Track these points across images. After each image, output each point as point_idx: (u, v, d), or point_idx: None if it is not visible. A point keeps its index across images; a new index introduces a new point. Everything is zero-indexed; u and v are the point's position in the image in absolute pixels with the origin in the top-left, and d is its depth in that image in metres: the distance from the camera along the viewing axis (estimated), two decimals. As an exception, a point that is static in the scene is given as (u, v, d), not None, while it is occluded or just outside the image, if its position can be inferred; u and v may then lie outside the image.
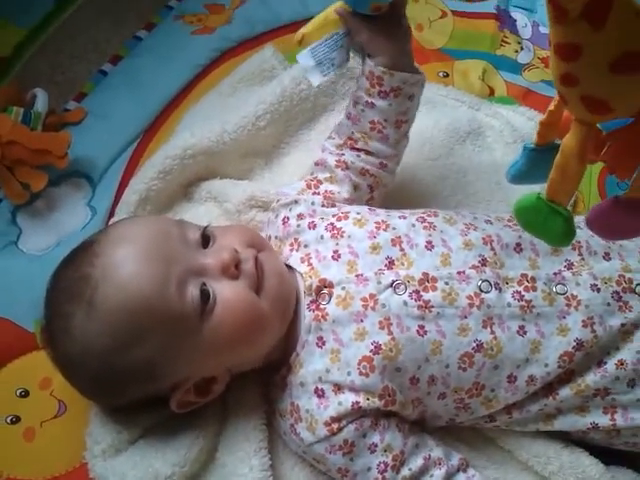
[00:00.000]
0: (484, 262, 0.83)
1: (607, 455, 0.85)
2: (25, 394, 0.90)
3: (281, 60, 1.19)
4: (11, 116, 1.04)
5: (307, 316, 0.82)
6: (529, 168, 0.73)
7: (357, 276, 0.81)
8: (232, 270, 0.78)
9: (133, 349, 0.76)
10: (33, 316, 0.92)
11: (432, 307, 0.80)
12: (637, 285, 0.83)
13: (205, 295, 0.77)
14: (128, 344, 0.75)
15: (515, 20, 1.27)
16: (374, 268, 0.82)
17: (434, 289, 0.80)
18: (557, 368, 0.80)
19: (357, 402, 0.78)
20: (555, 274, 0.83)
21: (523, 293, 0.81)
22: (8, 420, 0.88)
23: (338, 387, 0.79)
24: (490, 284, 0.81)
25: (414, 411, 0.82)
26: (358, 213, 0.88)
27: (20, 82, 1.17)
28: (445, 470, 0.80)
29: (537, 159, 0.71)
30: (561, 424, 0.83)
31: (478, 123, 1.14)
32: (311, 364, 0.81)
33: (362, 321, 0.79)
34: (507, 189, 1.05)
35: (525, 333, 0.80)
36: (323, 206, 0.91)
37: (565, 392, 0.81)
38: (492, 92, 1.21)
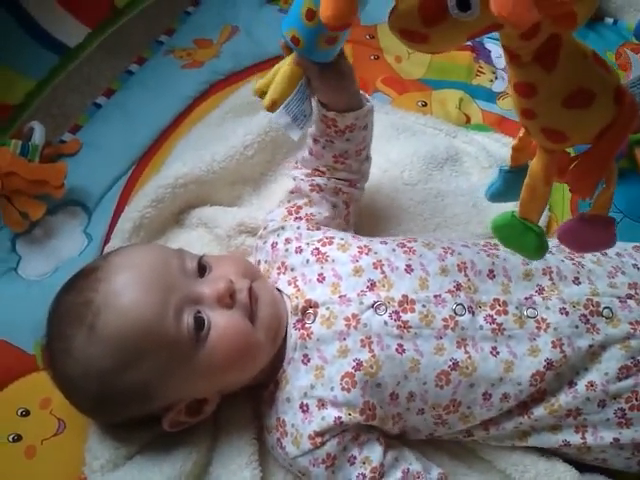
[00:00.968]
0: (459, 287, 0.85)
1: (581, 464, 0.87)
2: (26, 413, 0.91)
3: (267, 92, 1.23)
4: (10, 148, 1.06)
5: (293, 334, 0.85)
6: (505, 188, 0.79)
7: (340, 297, 0.84)
8: (227, 300, 0.81)
9: (131, 372, 0.78)
10: (33, 338, 0.94)
11: (410, 327, 0.83)
12: (604, 308, 0.85)
13: (199, 322, 0.80)
14: (126, 367, 0.78)
15: (490, 51, 1.32)
16: (357, 289, 0.85)
17: (412, 311, 0.83)
18: (529, 387, 0.82)
19: (339, 417, 0.80)
20: (526, 299, 0.86)
21: (495, 316, 0.84)
22: (10, 438, 0.89)
23: (322, 403, 0.82)
24: (464, 307, 0.84)
25: (394, 426, 0.85)
26: (342, 239, 0.92)
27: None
28: None
29: (512, 180, 0.75)
30: (535, 441, 0.85)
31: (455, 149, 1.17)
32: (297, 380, 0.83)
33: (345, 339, 0.82)
34: (484, 211, 1.08)
35: (498, 353, 0.83)
36: (308, 229, 0.94)
37: (539, 412, 0.83)
38: (468, 120, 1.24)
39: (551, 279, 0.88)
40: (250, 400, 0.90)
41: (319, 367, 0.82)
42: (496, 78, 1.30)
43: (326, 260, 0.88)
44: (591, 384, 0.83)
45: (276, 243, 0.94)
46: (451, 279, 0.86)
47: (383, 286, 0.85)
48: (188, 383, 0.82)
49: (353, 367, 0.81)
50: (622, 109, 0.59)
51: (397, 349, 0.82)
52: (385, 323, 0.83)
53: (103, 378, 0.79)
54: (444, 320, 0.83)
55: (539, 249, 0.69)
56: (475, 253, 0.90)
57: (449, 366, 0.82)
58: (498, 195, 0.81)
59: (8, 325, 0.98)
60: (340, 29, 0.62)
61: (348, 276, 0.86)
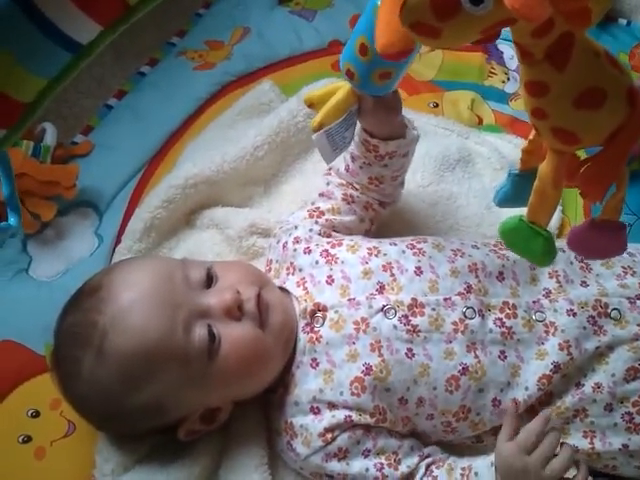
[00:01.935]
0: (469, 289, 0.85)
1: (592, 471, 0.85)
2: (36, 414, 0.92)
3: (278, 93, 1.22)
4: (22, 150, 1.06)
5: (302, 338, 0.85)
6: (514, 192, 0.77)
7: (349, 300, 0.84)
8: (235, 312, 0.80)
9: (142, 391, 0.79)
10: (43, 339, 0.94)
11: (420, 331, 0.82)
12: (613, 310, 0.85)
13: (211, 336, 0.79)
14: (137, 387, 0.78)
15: (502, 52, 1.30)
16: (366, 292, 0.85)
17: (422, 314, 0.83)
18: (537, 391, 0.82)
19: (350, 416, 0.81)
20: (534, 302, 0.86)
21: (504, 320, 0.84)
22: (20, 440, 0.90)
23: (332, 405, 0.81)
24: (474, 311, 0.83)
25: (404, 428, 0.84)
26: (351, 240, 0.91)
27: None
28: (446, 465, 0.81)
29: (521, 184, 0.74)
30: None
31: (467, 151, 1.16)
32: (305, 384, 0.83)
33: (354, 343, 0.82)
34: (496, 213, 1.07)
35: (505, 358, 0.83)
36: (320, 234, 0.93)
37: None
38: (480, 121, 1.23)
39: (558, 282, 0.88)
40: (260, 404, 0.90)
41: (328, 371, 0.82)
42: (508, 79, 1.29)
43: (335, 262, 0.88)
44: (598, 385, 0.83)
45: (286, 243, 0.94)
46: (462, 280, 0.86)
47: (392, 289, 0.85)
48: (201, 396, 0.82)
49: (363, 372, 0.81)
50: (635, 110, 0.58)
51: (407, 353, 0.82)
52: (394, 327, 0.82)
53: (114, 399, 0.79)
54: (454, 324, 0.83)
55: (547, 254, 0.68)
56: (485, 254, 0.90)
57: (459, 371, 0.82)
58: (506, 200, 0.79)
59: (18, 326, 0.98)
60: (394, 58, 0.61)
61: (357, 278, 0.86)
